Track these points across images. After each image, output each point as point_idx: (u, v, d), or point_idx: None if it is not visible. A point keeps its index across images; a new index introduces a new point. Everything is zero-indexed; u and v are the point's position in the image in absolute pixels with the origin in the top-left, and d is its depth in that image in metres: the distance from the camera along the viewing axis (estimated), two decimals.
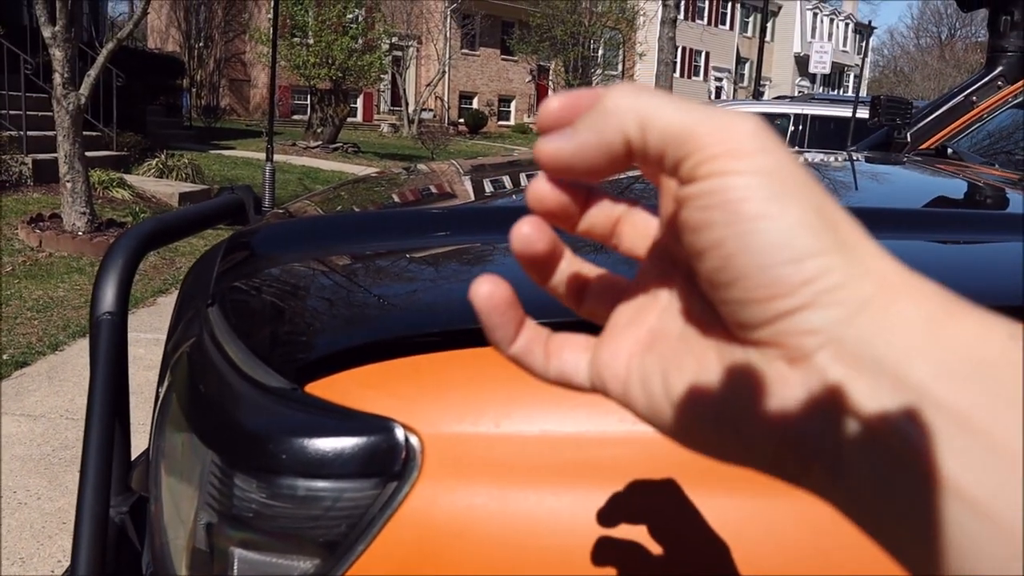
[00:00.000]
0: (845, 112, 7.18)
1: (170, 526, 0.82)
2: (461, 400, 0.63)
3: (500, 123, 32.32)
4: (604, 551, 0.59)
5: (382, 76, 21.29)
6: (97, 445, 0.87)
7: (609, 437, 0.61)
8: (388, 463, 0.60)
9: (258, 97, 25.79)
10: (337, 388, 0.65)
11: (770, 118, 7.43)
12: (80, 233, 6.52)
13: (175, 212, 1.25)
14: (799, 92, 23.90)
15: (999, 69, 2.36)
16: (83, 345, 4.45)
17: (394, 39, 22.91)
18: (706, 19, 39.52)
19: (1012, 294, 0.76)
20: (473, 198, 1.42)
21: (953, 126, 2.33)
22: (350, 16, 16.88)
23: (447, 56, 27.64)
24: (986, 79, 2.39)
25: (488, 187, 1.48)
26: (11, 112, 8.94)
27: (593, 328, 0.37)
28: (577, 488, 0.59)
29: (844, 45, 50.45)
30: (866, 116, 2.57)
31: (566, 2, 27.97)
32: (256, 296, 0.88)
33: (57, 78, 6.22)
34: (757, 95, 16.71)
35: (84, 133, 6.57)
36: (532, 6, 28.73)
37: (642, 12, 30.13)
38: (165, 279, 6.00)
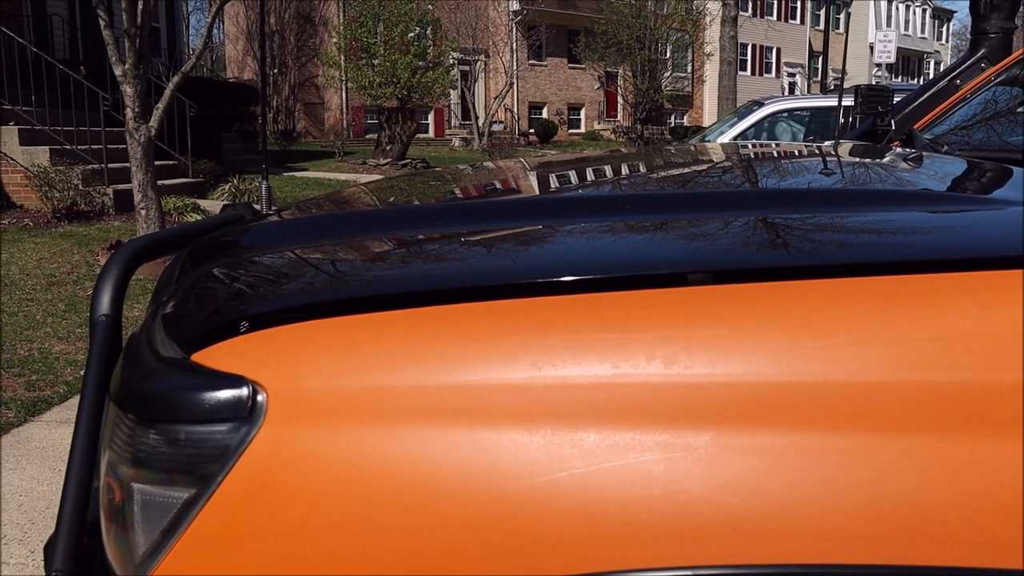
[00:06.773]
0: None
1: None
2: (303, 360, 0.78)
3: (570, 131, 32.46)
4: (410, 484, 0.73)
5: (448, 91, 21.67)
6: (86, 425, 1.04)
7: (424, 387, 0.75)
8: (239, 411, 0.76)
9: (331, 119, 26.51)
10: (213, 355, 0.81)
11: (818, 112, 7.38)
12: None
13: (172, 227, 1.43)
14: (875, 82, 23.36)
15: (982, 51, 2.40)
16: None
17: (460, 54, 23.29)
18: (775, 14, 38.89)
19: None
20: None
21: (937, 110, 2.38)
22: (411, 35, 17.27)
23: (514, 68, 27.93)
24: (969, 62, 2.43)
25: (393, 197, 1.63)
26: (93, 147, 9.51)
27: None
28: (399, 428, 0.74)
29: (922, 32, 48.99)
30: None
31: (631, 7, 27.98)
32: (190, 290, 1.05)
33: (128, 112, 6.64)
34: (824, 89, 16.44)
35: (161, 162, 6.95)
36: (597, 13, 28.83)
37: (707, 12, 29.91)
38: None
